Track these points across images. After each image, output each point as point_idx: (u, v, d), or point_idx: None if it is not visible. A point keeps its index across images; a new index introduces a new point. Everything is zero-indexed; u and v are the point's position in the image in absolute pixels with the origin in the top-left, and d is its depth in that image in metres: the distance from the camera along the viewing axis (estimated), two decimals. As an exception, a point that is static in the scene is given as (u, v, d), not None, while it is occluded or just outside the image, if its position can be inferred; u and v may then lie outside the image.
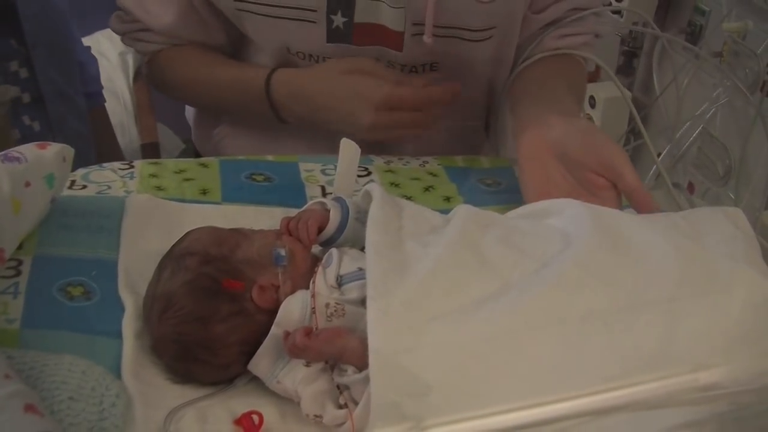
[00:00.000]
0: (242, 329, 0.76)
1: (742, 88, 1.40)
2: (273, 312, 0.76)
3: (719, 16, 1.69)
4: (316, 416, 0.73)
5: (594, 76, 2.04)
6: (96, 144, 1.58)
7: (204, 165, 1.08)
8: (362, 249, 0.76)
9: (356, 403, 0.71)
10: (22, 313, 0.79)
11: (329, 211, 0.84)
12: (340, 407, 0.72)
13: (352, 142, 0.90)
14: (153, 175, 1.04)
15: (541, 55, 1.17)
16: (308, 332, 0.72)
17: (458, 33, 1.13)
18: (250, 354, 0.76)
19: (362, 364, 0.69)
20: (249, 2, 1.09)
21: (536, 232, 0.79)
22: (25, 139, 1.35)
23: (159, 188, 1.01)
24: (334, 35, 1.10)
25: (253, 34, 1.15)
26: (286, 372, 0.74)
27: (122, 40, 1.24)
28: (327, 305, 0.75)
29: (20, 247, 0.86)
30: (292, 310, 0.76)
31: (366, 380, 0.67)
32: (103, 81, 2.34)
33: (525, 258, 0.74)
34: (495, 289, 0.71)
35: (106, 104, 2.38)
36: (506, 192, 1.10)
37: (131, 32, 1.21)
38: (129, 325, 0.79)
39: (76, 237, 0.90)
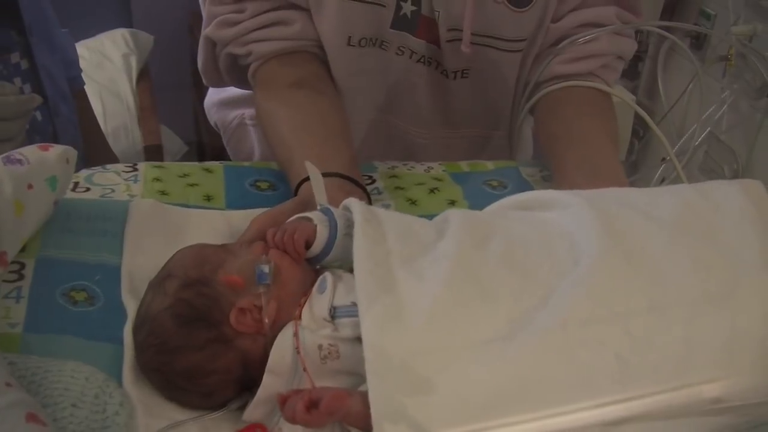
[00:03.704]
0: (222, 357, 0.73)
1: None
2: (257, 336, 0.73)
3: (724, 20, 1.68)
4: None
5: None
6: (81, 128, 1.56)
7: (208, 170, 1.08)
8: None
9: None
10: (25, 318, 0.78)
11: (316, 226, 0.79)
12: None
13: (312, 166, 0.86)
14: (157, 179, 1.03)
15: (566, 84, 1.13)
16: (308, 405, 0.66)
17: (491, 42, 1.13)
18: (236, 381, 0.74)
19: (367, 427, 0.64)
20: None
21: (541, 243, 0.74)
22: (31, 129, 1.34)
23: (163, 193, 1.00)
24: (399, 22, 1.11)
25: (321, 23, 1.11)
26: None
27: (226, 49, 1.14)
28: (320, 347, 0.71)
29: (23, 249, 0.85)
30: (284, 355, 0.71)
31: None
32: (106, 83, 2.35)
33: (530, 283, 0.70)
34: (500, 327, 0.67)
35: (107, 107, 2.36)
36: (513, 194, 1.08)
37: (244, 34, 1.11)
38: (131, 332, 0.78)
39: (80, 241, 0.89)
